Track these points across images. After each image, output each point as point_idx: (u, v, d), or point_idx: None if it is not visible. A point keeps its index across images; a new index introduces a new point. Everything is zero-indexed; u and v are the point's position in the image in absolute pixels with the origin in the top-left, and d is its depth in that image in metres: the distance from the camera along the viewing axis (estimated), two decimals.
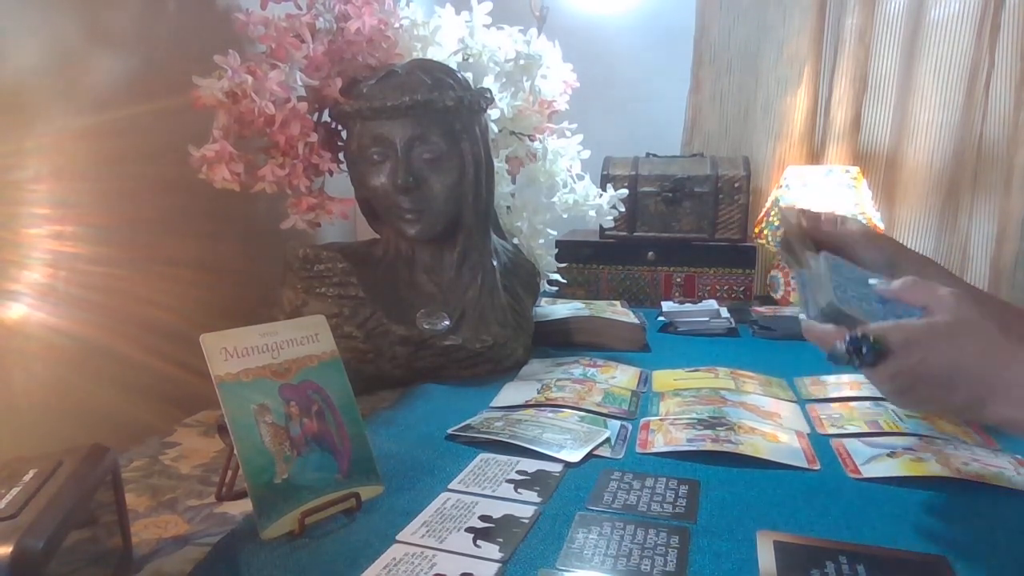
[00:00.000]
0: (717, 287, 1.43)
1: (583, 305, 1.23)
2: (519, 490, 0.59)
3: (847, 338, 0.51)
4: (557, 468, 0.63)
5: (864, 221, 1.33)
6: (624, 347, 1.06)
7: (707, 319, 1.19)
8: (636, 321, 1.15)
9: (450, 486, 0.60)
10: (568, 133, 1.19)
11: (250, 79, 0.78)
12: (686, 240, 1.45)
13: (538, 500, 0.58)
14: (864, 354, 0.50)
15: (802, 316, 0.59)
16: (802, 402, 0.82)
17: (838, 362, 0.52)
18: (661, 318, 1.22)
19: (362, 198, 0.94)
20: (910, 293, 0.54)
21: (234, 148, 0.79)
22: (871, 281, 0.58)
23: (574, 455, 0.65)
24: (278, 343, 0.58)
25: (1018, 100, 1.38)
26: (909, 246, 0.92)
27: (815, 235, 0.72)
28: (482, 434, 0.70)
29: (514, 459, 0.65)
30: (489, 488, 0.60)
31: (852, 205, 1.35)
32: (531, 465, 0.64)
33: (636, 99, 1.65)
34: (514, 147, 1.14)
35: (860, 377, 0.90)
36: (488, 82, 1.05)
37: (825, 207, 1.33)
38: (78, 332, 0.75)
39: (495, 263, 0.96)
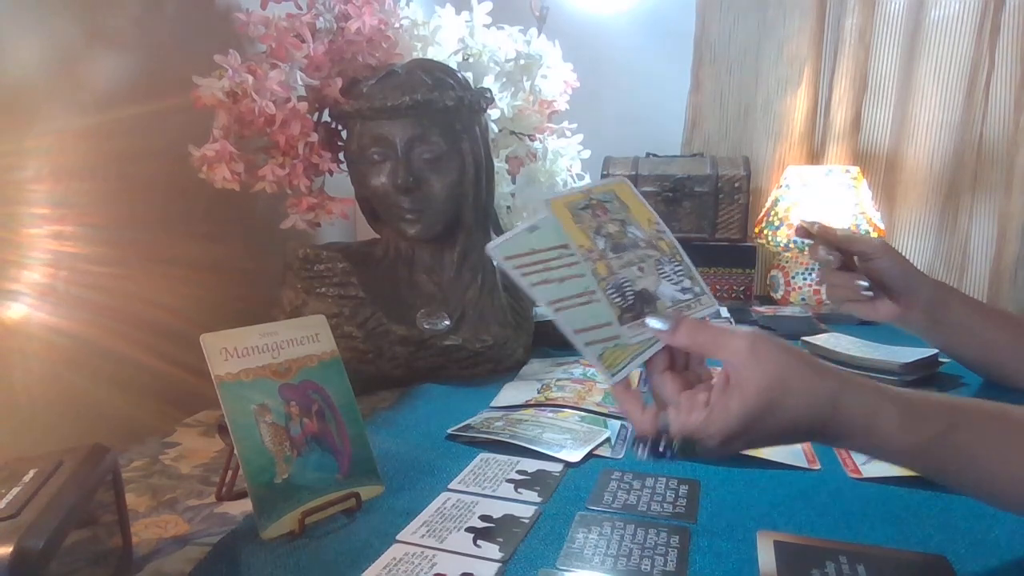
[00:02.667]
0: (717, 287, 1.43)
1: None
2: (519, 490, 0.59)
3: (652, 445, 0.46)
4: (557, 468, 0.63)
5: (866, 226, 1.33)
6: None
7: (707, 319, 1.19)
8: None
9: (450, 486, 0.60)
10: (568, 133, 1.19)
11: (250, 79, 0.78)
12: (686, 240, 1.44)
13: (538, 500, 0.58)
14: (671, 457, 0.46)
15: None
16: None
17: (635, 450, 0.47)
18: None
19: (362, 198, 0.94)
20: (696, 343, 0.47)
21: (234, 148, 0.79)
22: (648, 321, 0.48)
23: (574, 455, 0.65)
24: (278, 343, 0.58)
25: (1018, 100, 1.38)
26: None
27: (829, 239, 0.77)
28: (482, 434, 0.70)
29: (514, 459, 0.65)
30: (489, 488, 0.60)
31: (852, 205, 1.35)
32: (531, 465, 0.64)
33: (636, 99, 1.65)
34: (514, 147, 1.14)
35: None
36: (488, 82, 1.05)
37: (827, 212, 1.33)
38: (78, 332, 0.75)
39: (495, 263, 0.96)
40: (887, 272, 0.77)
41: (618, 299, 0.48)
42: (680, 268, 0.52)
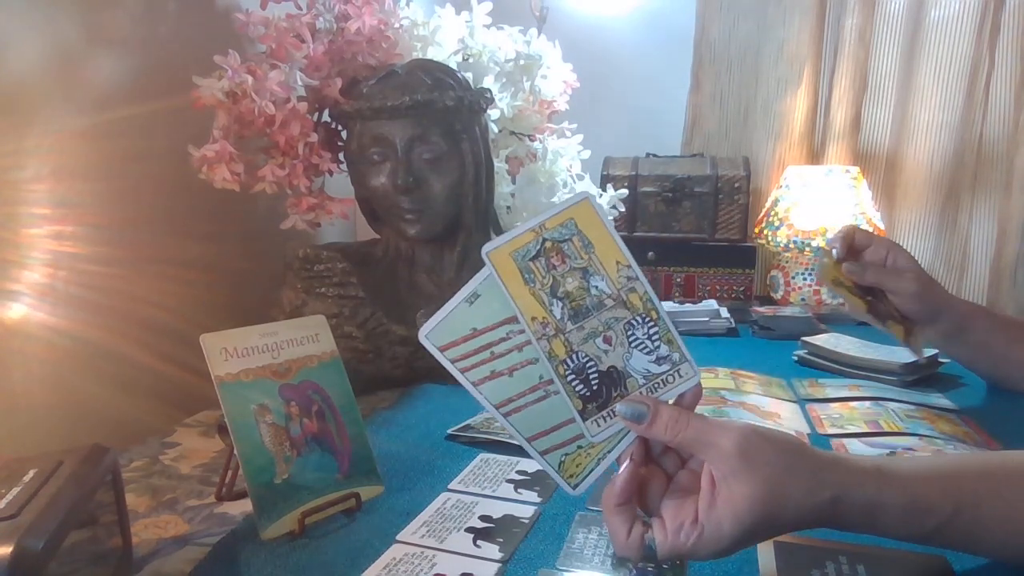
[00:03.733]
0: (717, 287, 1.43)
1: None
2: (519, 490, 0.59)
3: (636, 571, 0.44)
4: None
5: (866, 226, 1.33)
6: None
7: (707, 319, 1.19)
8: None
9: (450, 486, 0.60)
10: (568, 133, 1.19)
11: (250, 79, 0.78)
12: (686, 240, 1.46)
13: (538, 500, 0.58)
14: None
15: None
16: (802, 402, 0.82)
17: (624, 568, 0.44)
18: None
19: (362, 198, 0.94)
20: (677, 440, 0.41)
21: (234, 148, 0.79)
22: (618, 408, 0.42)
23: None
24: (278, 343, 0.58)
25: (1018, 100, 1.38)
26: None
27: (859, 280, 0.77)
28: (482, 434, 0.70)
29: (514, 459, 0.65)
30: (489, 488, 0.60)
31: (852, 205, 1.35)
32: (531, 465, 0.64)
33: (636, 99, 1.65)
34: (514, 147, 1.14)
35: (860, 379, 0.91)
36: (488, 82, 1.05)
37: (827, 212, 1.33)
38: (78, 332, 0.75)
39: None
40: (912, 310, 0.77)
41: (580, 387, 0.42)
42: (655, 330, 0.43)
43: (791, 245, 1.36)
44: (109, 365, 0.78)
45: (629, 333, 0.43)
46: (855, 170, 1.39)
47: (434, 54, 1.01)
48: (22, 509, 0.38)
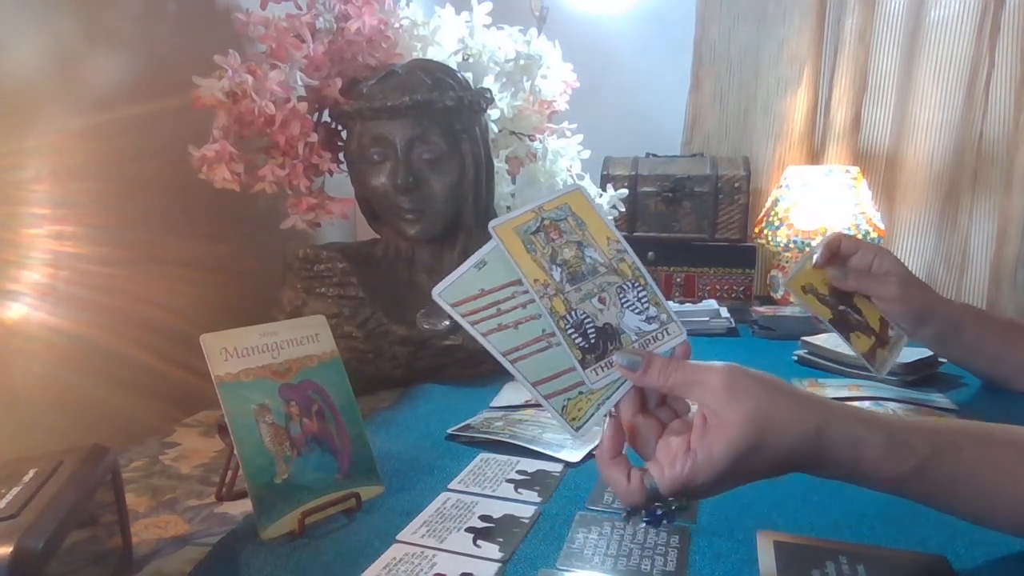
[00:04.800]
0: (717, 287, 1.43)
1: None
2: (519, 490, 0.59)
3: (646, 513, 0.44)
4: (557, 468, 0.63)
5: (866, 226, 1.33)
6: None
7: (707, 319, 1.19)
8: None
9: (450, 486, 0.60)
10: (568, 133, 1.19)
11: (250, 79, 0.78)
12: (686, 240, 1.45)
13: (538, 500, 0.58)
14: (667, 523, 0.44)
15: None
16: None
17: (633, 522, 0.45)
18: None
19: (362, 198, 0.94)
20: (669, 383, 0.45)
21: (234, 148, 0.79)
22: (614, 358, 0.46)
23: (574, 455, 0.65)
24: (278, 343, 0.58)
25: (1018, 100, 1.38)
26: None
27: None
28: (482, 434, 0.70)
29: (514, 459, 0.65)
30: (489, 488, 0.60)
31: (852, 205, 1.35)
32: (531, 465, 0.64)
33: (636, 99, 1.65)
34: (514, 147, 1.14)
35: (860, 379, 0.91)
36: (488, 82, 1.05)
37: (827, 212, 1.33)
38: (78, 332, 0.75)
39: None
40: (897, 313, 0.78)
41: (579, 340, 0.45)
42: (644, 294, 0.48)
43: (791, 245, 1.36)
44: (109, 365, 0.78)
45: (621, 296, 0.48)
46: (855, 170, 1.38)
47: (434, 54, 1.01)
48: (22, 509, 0.38)
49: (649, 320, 0.48)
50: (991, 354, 0.82)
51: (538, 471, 0.63)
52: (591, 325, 0.46)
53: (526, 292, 0.46)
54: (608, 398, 0.46)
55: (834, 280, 0.78)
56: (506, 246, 0.47)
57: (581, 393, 0.45)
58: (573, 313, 0.46)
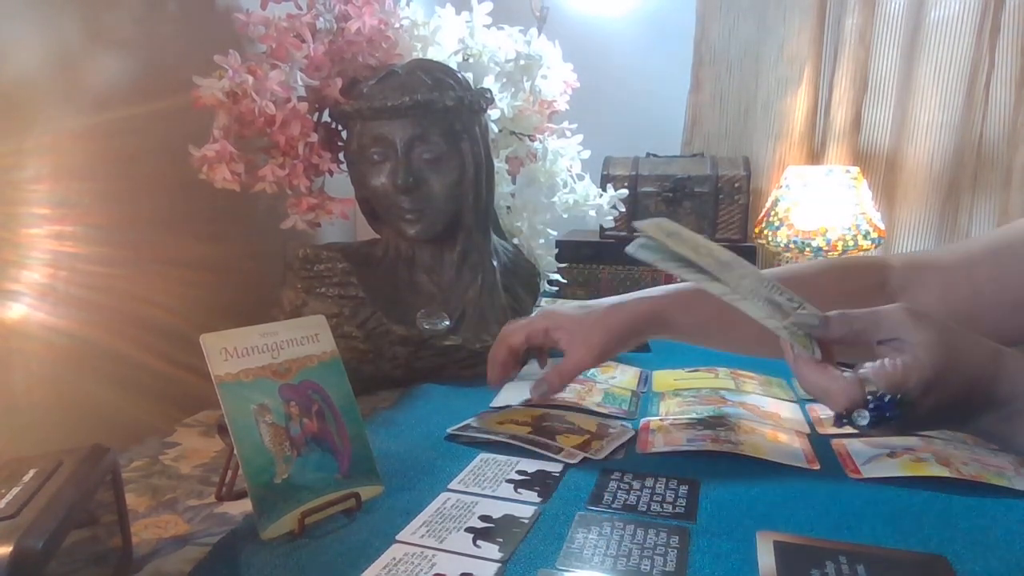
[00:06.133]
0: None
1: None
2: (519, 490, 0.59)
3: (869, 402, 0.44)
4: (557, 468, 0.63)
5: (866, 225, 1.33)
6: None
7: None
8: None
9: (450, 486, 0.60)
10: (568, 133, 1.19)
11: (250, 79, 0.78)
12: None
13: (538, 500, 0.58)
14: (890, 417, 0.44)
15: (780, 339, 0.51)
16: (802, 402, 0.82)
17: (856, 426, 0.45)
18: None
19: (362, 198, 0.94)
20: (854, 329, 0.48)
21: (234, 148, 0.79)
22: (796, 318, 0.50)
23: (574, 455, 0.65)
24: (278, 343, 0.58)
25: (1018, 100, 1.38)
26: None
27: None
28: (482, 434, 0.70)
29: (513, 459, 0.65)
30: (489, 488, 0.60)
31: (852, 205, 1.35)
32: (531, 465, 0.64)
33: (636, 99, 1.66)
34: (514, 147, 1.14)
35: None
36: (488, 82, 1.05)
37: (828, 212, 1.33)
38: (78, 332, 0.75)
39: (495, 263, 0.96)
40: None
41: (760, 303, 0.50)
42: (773, 285, 0.53)
43: (791, 245, 1.36)
44: (109, 365, 0.78)
45: (759, 282, 0.53)
46: (855, 170, 1.39)
47: (434, 54, 1.01)
48: (22, 509, 0.38)
49: (791, 300, 0.52)
50: (726, 338, 0.76)
51: (538, 471, 0.63)
52: (760, 297, 0.51)
53: (697, 268, 0.52)
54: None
55: (538, 398, 0.74)
56: (658, 239, 0.53)
57: (791, 333, 0.49)
58: (740, 286, 0.51)
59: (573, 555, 0.50)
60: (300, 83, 0.83)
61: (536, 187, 1.14)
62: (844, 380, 0.45)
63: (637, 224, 0.55)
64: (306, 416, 0.57)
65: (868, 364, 0.46)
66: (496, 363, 0.74)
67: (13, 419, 0.69)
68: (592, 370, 0.91)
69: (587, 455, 0.65)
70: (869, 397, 0.44)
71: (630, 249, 0.53)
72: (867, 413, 0.44)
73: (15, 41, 0.69)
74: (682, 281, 0.55)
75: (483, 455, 0.66)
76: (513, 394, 0.84)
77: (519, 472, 0.62)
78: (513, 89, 1.09)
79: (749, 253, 1.43)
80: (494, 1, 1.04)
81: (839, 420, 0.46)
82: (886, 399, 0.44)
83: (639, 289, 0.77)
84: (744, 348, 0.75)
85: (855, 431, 0.45)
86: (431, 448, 0.69)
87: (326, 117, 0.94)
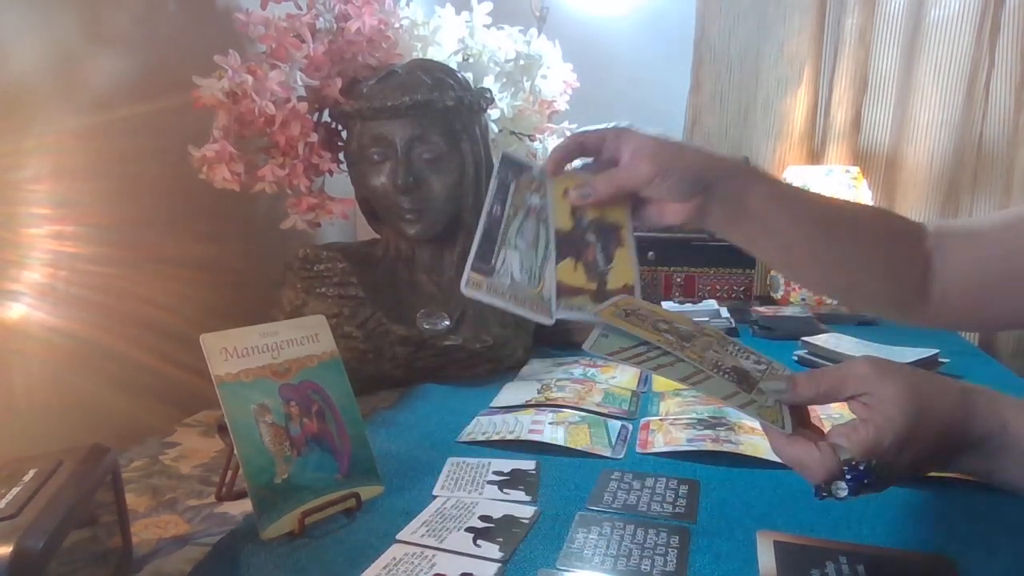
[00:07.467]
0: (717, 287, 1.43)
1: None
2: (504, 490, 0.59)
3: (846, 473, 0.44)
4: (531, 465, 0.64)
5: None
6: None
7: (707, 319, 1.19)
8: None
9: (434, 492, 0.60)
10: (568, 133, 1.19)
11: (250, 79, 0.78)
12: (686, 240, 1.45)
13: (526, 499, 0.58)
14: (869, 483, 0.44)
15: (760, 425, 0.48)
16: None
17: (837, 498, 0.44)
18: None
19: (362, 198, 0.94)
20: (821, 390, 0.47)
21: (234, 148, 0.79)
22: (763, 387, 0.48)
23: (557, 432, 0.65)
24: (278, 343, 0.58)
25: (1018, 100, 1.38)
26: None
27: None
28: (490, 437, 0.70)
29: (486, 460, 0.65)
30: (475, 491, 0.60)
31: None
32: (505, 465, 0.64)
33: (636, 99, 1.65)
34: (514, 147, 1.14)
35: None
36: (488, 82, 1.05)
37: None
38: (78, 332, 0.75)
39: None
40: (670, 193, 0.59)
41: (726, 376, 0.48)
42: (737, 348, 0.52)
43: None
44: (109, 365, 0.78)
45: (724, 348, 0.51)
46: (855, 170, 1.39)
47: (434, 54, 1.01)
48: (22, 509, 0.38)
49: (758, 363, 0.51)
50: (784, 241, 0.61)
51: (513, 470, 0.63)
52: (725, 366, 0.49)
53: (658, 349, 0.49)
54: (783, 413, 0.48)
55: (577, 198, 0.60)
56: (614, 324, 0.50)
57: (760, 406, 0.47)
58: (704, 359, 0.49)
59: (573, 555, 0.50)
60: (300, 83, 0.83)
61: None
62: (818, 452, 0.44)
63: (594, 311, 0.53)
64: (306, 416, 0.57)
65: (840, 428, 0.45)
66: (558, 149, 0.62)
67: (13, 419, 0.69)
68: (592, 370, 0.92)
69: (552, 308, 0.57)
70: (845, 469, 0.44)
71: (586, 346, 0.50)
72: (845, 485, 0.44)
73: (15, 41, 0.69)
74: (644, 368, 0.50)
75: (452, 459, 0.66)
76: (514, 394, 0.84)
77: (496, 472, 0.62)
78: (513, 89, 1.09)
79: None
80: (494, 1, 1.04)
81: (819, 492, 0.45)
82: (861, 467, 0.44)
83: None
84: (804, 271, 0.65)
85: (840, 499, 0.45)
86: (431, 448, 0.69)
87: (326, 117, 0.94)
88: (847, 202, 0.65)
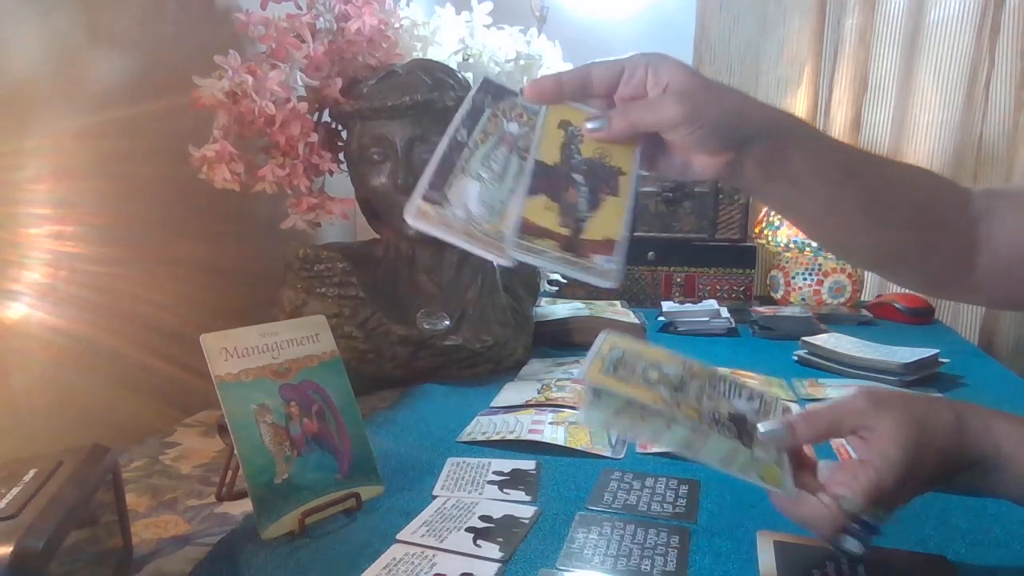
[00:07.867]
0: (717, 287, 1.43)
1: (583, 305, 1.23)
2: (504, 490, 0.59)
3: (850, 527, 0.43)
4: (531, 465, 0.64)
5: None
6: None
7: (707, 319, 1.19)
8: (636, 321, 1.14)
9: (435, 491, 0.60)
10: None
11: (250, 79, 0.78)
12: (686, 240, 1.45)
13: (526, 499, 0.58)
14: (878, 529, 0.43)
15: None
16: (802, 402, 0.82)
17: (851, 554, 0.44)
18: (661, 318, 1.22)
19: (362, 198, 0.94)
20: (819, 431, 0.47)
21: (234, 148, 0.79)
22: (762, 434, 0.47)
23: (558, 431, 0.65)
24: (278, 343, 0.58)
25: (1018, 100, 1.38)
26: None
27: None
28: (490, 437, 0.70)
29: (485, 460, 0.65)
30: (475, 491, 0.60)
31: None
32: (505, 465, 0.64)
33: None
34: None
35: (861, 379, 0.91)
36: None
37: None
38: (78, 332, 0.75)
39: (495, 263, 0.96)
40: (700, 143, 0.49)
41: (725, 430, 0.46)
42: (728, 385, 0.50)
43: (791, 245, 1.36)
44: (109, 365, 0.78)
45: (716, 390, 0.49)
46: None
47: (434, 54, 1.01)
48: (22, 509, 0.38)
49: (751, 400, 0.50)
50: (824, 205, 0.54)
51: (513, 470, 0.63)
52: (722, 417, 0.47)
53: (653, 409, 0.45)
54: (782, 464, 0.47)
55: (591, 132, 0.51)
56: (603, 387, 0.45)
57: (764, 464, 0.46)
58: (699, 413, 0.46)
59: (573, 555, 0.50)
60: (300, 83, 0.83)
61: None
62: (823, 508, 0.44)
63: (580, 373, 0.47)
64: (306, 416, 0.57)
65: (839, 476, 0.44)
66: (557, 79, 0.51)
67: (13, 419, 0.69)
68: None
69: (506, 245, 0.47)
70: (857, 527, 0.43)
71: (580, 417, 0.50)
72: (857, 541, 0.44)
73: (15, 41, 0.69)
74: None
75: (452, 459, 0.66)
76: (514, 394, 0.84)
77: (496, 473, 0.62)
78: None
79: (749, 253, 1.43)
80: (494, 1, 1.04)
81: (835, 546, 0.44)
82: (864, 520, 0.43)
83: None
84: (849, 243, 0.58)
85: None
86: (431, 448, 0.69)
87: (326, 117, 0.94)
88: (893, 162, 0.58)
